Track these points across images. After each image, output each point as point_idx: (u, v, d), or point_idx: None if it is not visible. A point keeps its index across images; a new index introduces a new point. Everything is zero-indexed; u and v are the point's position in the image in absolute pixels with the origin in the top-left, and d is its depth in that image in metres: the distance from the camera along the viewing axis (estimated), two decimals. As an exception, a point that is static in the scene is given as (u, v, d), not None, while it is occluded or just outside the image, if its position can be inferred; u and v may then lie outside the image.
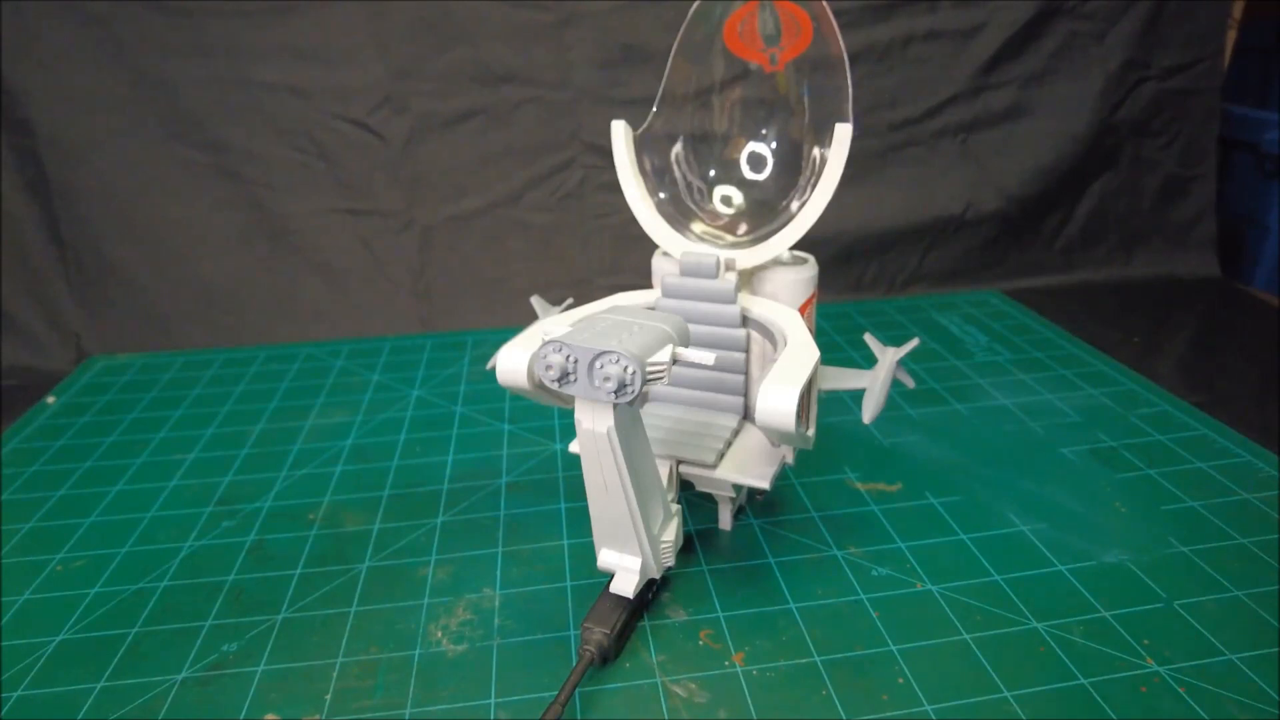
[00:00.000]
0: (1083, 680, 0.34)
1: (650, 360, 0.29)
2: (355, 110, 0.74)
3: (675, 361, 0.31)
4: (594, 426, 0.31)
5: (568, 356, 0.30)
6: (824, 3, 0.39)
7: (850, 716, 0.33)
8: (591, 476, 0.34)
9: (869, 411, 0.37)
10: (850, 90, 0.39)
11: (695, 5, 0.41)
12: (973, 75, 0.79)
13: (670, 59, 0.41)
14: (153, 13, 0.69)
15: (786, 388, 0.32)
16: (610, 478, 0.33)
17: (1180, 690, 0.34)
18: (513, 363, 0.36)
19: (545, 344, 0.30)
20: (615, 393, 0.29)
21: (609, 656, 0.36)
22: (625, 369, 0.29)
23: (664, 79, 0.41)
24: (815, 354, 0.35)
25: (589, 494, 0.35)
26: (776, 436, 0.35)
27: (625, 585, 0.36)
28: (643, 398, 0.31)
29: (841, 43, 0.39)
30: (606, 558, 0.37)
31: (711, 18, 0.41)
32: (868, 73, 0.77)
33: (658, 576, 0.38)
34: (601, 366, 0.29)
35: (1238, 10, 0.89)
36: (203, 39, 0.70)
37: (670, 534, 0.38)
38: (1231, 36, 0.88)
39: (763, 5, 0.40)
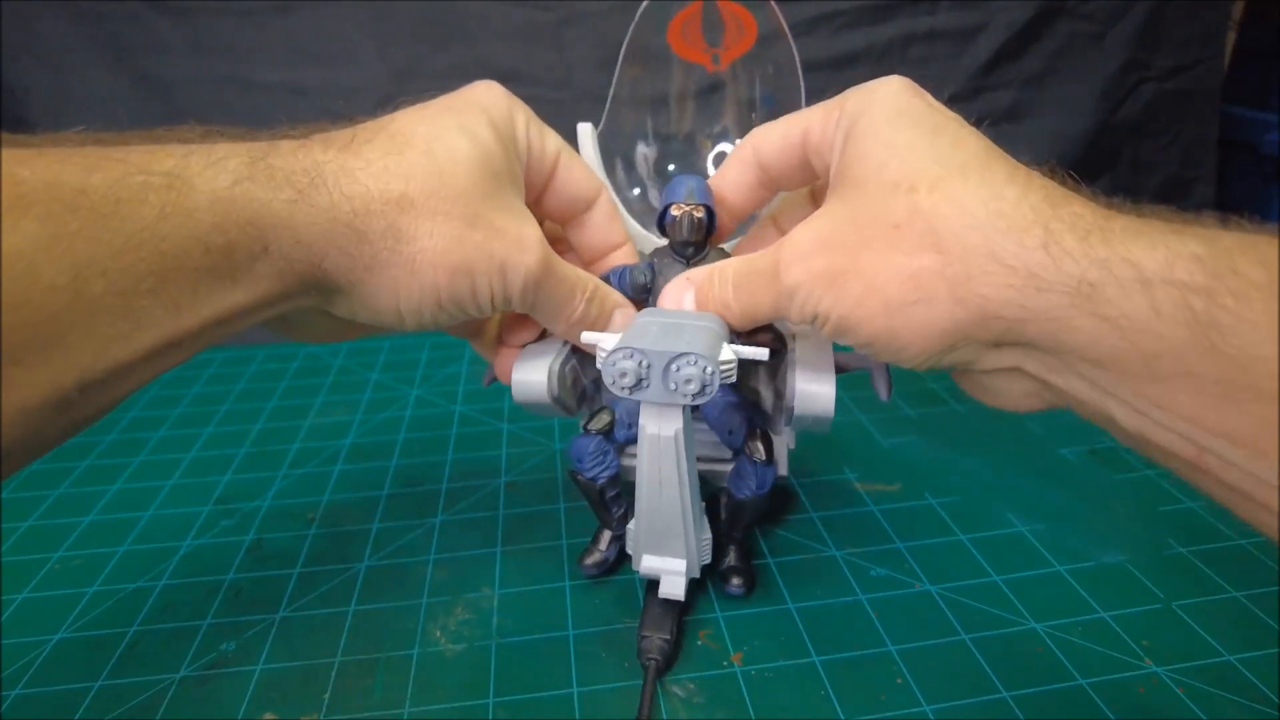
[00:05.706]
0: (1081, 681, 0.34)
1: (720, 359, 0.29)
2: (355, 110, 0.73)
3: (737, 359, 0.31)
4: (660, 430, 0.31)
5: (640, 362, 0.29)
6: (772, 2, 0.39)
7: (849, 717, 0.33)
8: (648, 481, 0.33)
9: (883, 389, 0.37)
10: (803, 88, 0.39)
11: (642, 7, 0.41)
12: (973, 76, 0.79)
13: (619, 62, 0.41)
14: (152, 12, 0.69)
15: (823, 374, 0.34)
16: (669, 480, 0.33)
17: (1179, 691, 0.34)
18: (534, 375, 0.36)
19: (614, 351, 0.29)
20: (696, 394, 0.29)
21: (673, 661, 0.36)
22: (704, 370, 0.29)
23: (614, 81, 0.42)
24: (828, 342, 0.36)
25: (641, 500, 0.34)
26: (814, 424, 0.35)
27: (675, 588, 0.36)
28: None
29: (792, 41, 0.39)
30: (649, 563, 0.36)
31: (657, 19, 0.41)
32: (867, 73, 0.77)
33: (696, 575, 0.37)
34: (678, 369, 0.29)
35: (1238, 11, 0.90)
36: (202, 38, 0.70)
37: (707, 530, 0.37)
38: (1231, 38, 0.88)
39: (706, 6, 0.40)
